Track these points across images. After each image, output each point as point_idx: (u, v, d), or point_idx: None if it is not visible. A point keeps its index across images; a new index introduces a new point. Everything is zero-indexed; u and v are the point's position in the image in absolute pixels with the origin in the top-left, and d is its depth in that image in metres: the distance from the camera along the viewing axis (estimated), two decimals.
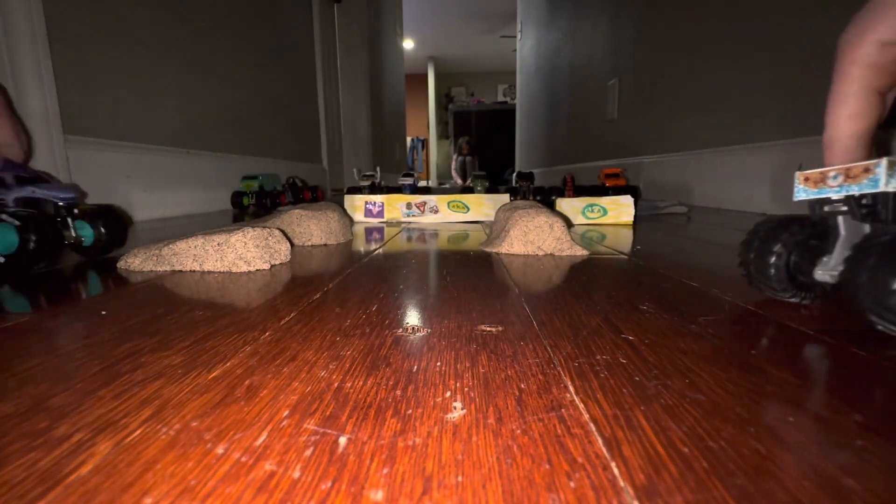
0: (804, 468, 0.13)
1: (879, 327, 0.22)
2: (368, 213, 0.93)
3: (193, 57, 1.17)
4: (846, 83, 0.28)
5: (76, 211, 0.48)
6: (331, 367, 0.21)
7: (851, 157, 0.26)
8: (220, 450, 0.14)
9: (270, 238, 0.45)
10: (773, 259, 0.29)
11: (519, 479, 0.13)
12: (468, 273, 0.41)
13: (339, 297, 0.33)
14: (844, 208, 0.26)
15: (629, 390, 0.18)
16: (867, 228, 0.25)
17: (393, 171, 3.72)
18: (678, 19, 1.40)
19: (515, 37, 4.27)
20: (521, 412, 0.17)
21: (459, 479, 0.13)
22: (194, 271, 0.42)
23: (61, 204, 0.47)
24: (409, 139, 5.71)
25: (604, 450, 0.14)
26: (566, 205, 0.86)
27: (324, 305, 0.31)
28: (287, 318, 0.28)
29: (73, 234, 0.47)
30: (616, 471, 0.13)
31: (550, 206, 0.93)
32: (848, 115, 0.27)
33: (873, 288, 0.22)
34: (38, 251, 0.42)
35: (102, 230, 0.49)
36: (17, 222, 0.41)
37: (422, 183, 4.23)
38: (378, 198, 0.93)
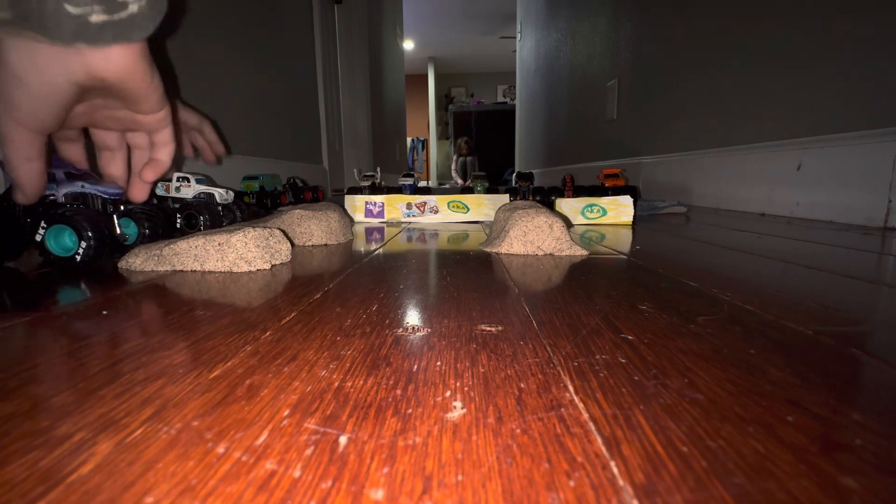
0: (804, 468, 0.13)
1: None
2: (369, 213, 0.94)
3: (193, 57, 1.17)
4: None
5: (122, 208, 0.49)
6: (331, 366, 0.21)
7: None
8: (220, 449, 0.14)
9: (271, 238, 0.45)
10: None
11: (519, 478, 0.13)
12: (468, 273, 0.41)
13: (340, 297, 0.33)
14: None
15: (628, 390, 0.18)
16: None
17: (393, 171, 3.72)
18: (677, 20, 1.40)
19: (515, 37, 4.28)
20: (521, 411, 0.17)
21: (459, 478, 0.13)
22: (195, 271, 0.42)
23: (108, 200, 0.48)
24: (409, 139, 5.71)
25: (603, 449, 0.14)
26: (566, 205, 0.86)
27: (324, 305, 0.31)
28: (288, 318, 0.28)
29: (119, 232, 0.47)
30: (615, 470, 0.13)
31: (550, 206, 0.93)
32: None
33: None
34: (95, 255, 0.43)
35: (146, 229, 0.49)
36: (84, 231, 0.42)
37: (422, 183, 4.25)
38: (378, 198, 0.94)
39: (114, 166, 0.49)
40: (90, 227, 0.42)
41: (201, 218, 0.61)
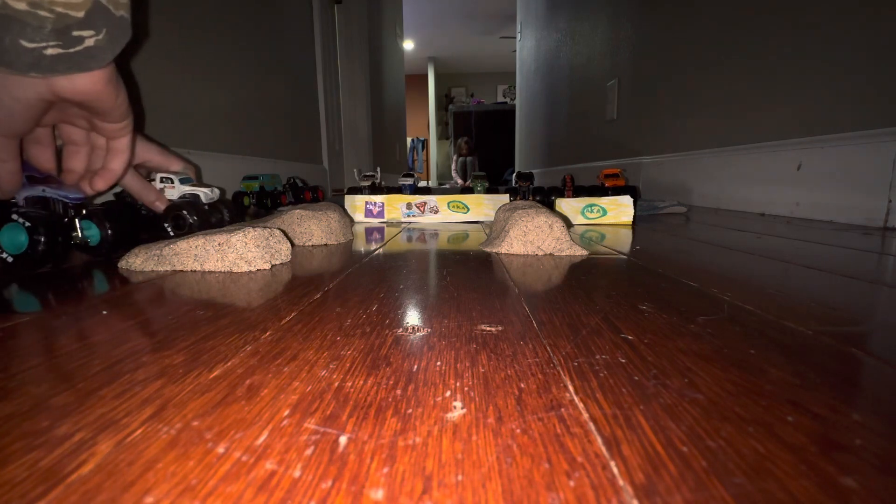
0: (804, 468, 0.13)
1: None
2: (369, 213, 0.94)
3: (193, 57, 1.17)
4: None
5: (84, 211, 0.48)
6: (331, 366, 0.21)
7: None
8: (220, 449, 0.14)
9: (271, 238, 0.45)
10: None
11: (519, 478, 0.13)
12: (468, 273, 0.41)
13: (340, 297, 0.33)
14: None
15: (628, 390, 0.18)
16: None
17: (393, 171, 3.72)
18: (677, 20, 1.40)
19: (515, 37, 4.28)
20: (521, 411, 0.17)
21: (459, 478, 0.13)
22: (195, 271, 0.42)
23: (69, 204, 0.47)
24: (409, 139, 5.70)
25: (603, 449, 0.14)
26: (566, 205, 0.86)
27: (324, 305, 0.31)
28: (288, 318, 0.28)
29: (80, 235, 0.47)
30: (615, 470, 0.13)
31: (550, 206, 0.93)
32: None
33: None
34: (46, 252, 0.42)
35: (109, 230, 0.49)
36: (27, 223, 0.41)
37: (422, 183, 4.24)
38: (378, 198, 0.94)
39: (76, 160, 0.51)
40: (41, 226, 0.42)
41: (189, 219, 0.60)
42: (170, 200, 0.61)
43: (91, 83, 0.41)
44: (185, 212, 0.60)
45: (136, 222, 0.57)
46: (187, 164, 0.65)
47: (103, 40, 0.39)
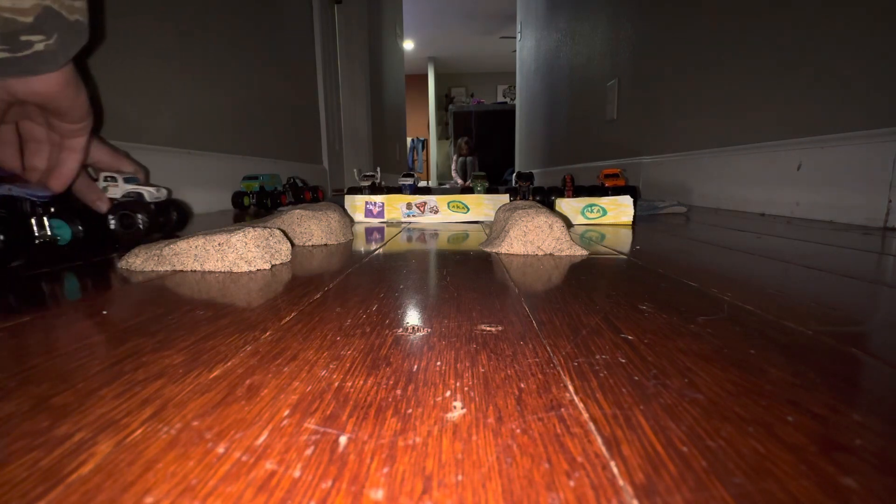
0: (804, 468, 0.13)
1: None
2: (369, 213, 0.94)
3: (193, 57, 1.17)
4: None
5: (52, 209, 0.48)
6: (331, 366, 0.21)
7: None
8: (220, 449, 0.14)
9: (271, 238, 0.45)
10: None
11: (519, 478, 0.13)
12: (468, 273, 0.41)
13: (340, 297, 0.33)
14: None
15: (628, 390, 0.18)
16: None
17: (393, 171, 3.72)
18: (677, 20, 1.40)
19: (515, 37, 4.28)
20: (521, 411, 0.17)
21: (459, 478, 0.13)
22: (195, 271, 0.42)
23: (37, 203, 0.47)
24: (409, 139, 5.71)
25: (603, 449, 0.14)
26: (566, 205, 0.86)
27: (324, 305, 0.31)
28: (288, 318, 0.28)
29: (49, 234, 0.46)
30: (615, 470, 0.13)
31: (550, 206, 0.93)
32: None
33: None
34: (6, 248, 0.41)
35: (80, 229, 0.48)
36: None
37: (422, 183, 4.24)
38: (378, 198, 0.94)
39: (38, 158, 0.51)
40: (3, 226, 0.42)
41: (138, 217, 0.58)
42: (112, 200, 0.60)
43: (47, 85, 0.42)
44: (128, 211, 0.58)
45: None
46: (137, 167, 0.65)
47: (54, 45, 0.40)
